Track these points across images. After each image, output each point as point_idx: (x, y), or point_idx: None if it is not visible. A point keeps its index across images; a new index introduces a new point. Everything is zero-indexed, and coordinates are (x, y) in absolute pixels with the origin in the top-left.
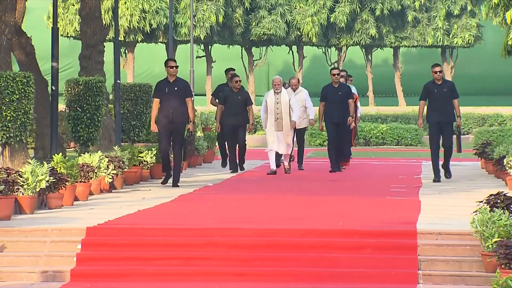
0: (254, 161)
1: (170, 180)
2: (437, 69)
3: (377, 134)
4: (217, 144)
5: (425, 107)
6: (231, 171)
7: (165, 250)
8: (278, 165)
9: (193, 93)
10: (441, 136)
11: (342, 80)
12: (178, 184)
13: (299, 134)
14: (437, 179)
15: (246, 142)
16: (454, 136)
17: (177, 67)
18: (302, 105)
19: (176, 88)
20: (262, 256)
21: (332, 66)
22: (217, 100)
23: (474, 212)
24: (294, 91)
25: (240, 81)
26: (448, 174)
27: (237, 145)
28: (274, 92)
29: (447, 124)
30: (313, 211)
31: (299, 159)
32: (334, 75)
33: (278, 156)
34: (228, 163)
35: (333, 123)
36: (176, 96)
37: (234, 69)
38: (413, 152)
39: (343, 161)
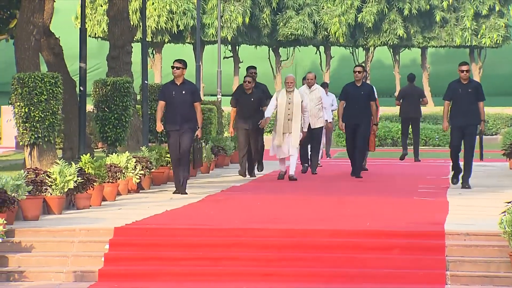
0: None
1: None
2: (464, 68)
3: None
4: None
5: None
6: (248, 175)
7: (192, 250)
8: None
9: (201, 98)
10: (462, 140)
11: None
12: (187, 192)
13: (315, 135)
14: (456, 180)
15: (263, 145)
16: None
17: (182, 68)
18: (318, 104)
19: (183, 92)
20: (290, 257)
21: (357, 64)
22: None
23: (502, 212)
24: (310, 87)
25: (249, 81)
26: (467, 185)
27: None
28: (286, 91)
29: (469, 127)
30: (340, 211)
31: (313, 162)
32: (356, 72)
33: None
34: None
35: (352, 124)
36: (184, 101)
37: (254, 67)
38: (441, 152)
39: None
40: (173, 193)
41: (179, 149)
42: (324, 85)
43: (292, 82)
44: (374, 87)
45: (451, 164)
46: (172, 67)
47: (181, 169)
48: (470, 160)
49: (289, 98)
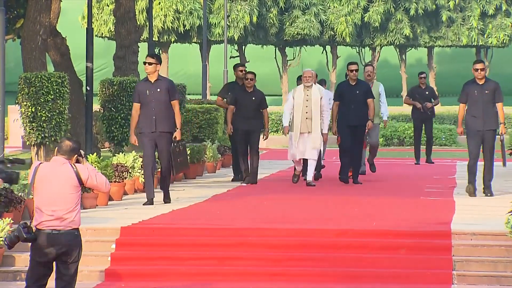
0: (287, 161)
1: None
2: (479, 66)
3: (411, 134)
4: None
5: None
6: (241, 182)
7: (199, 250)
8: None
9: (179, 95)
10: (481, 146)
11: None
12: (170, 200)
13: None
14: (471, 189)
15: (260, 150)
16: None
17: (155, 64)
18: None
19: (158, 90)
20: (296, 256)
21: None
22: (224, 100)
23: (509, 212)
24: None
25: (251, 78)
26: (488, 192)
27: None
28: (304, 86)
29: (488, 132)
30: (347, 211)
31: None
32: (351, 71)
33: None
34: (240, 174)
35: (348, 126)
36: (159, 99)
37: (244, 65)
38: (447, 152)
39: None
40: (143, 204)
41: (152, 154)
42: (322, 82)
43: (310, 76)
44: (380, 85)
45: (468, 175)
46: (144, 63)
47: (162, 178)
48: (490, 166)
49: (307, 95)
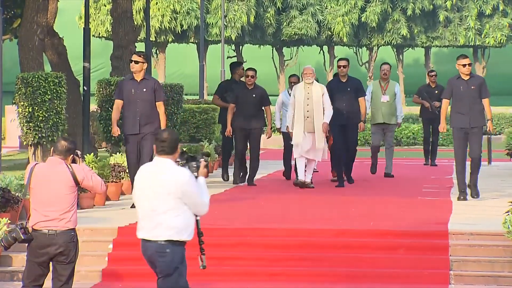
0: None
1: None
2: (465, 61)
3: (408, 134)
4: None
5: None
6: (238, 183)
7: (196, 250)
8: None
9: (165, 96)
10: (467, 144)
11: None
12: None
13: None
14: (462, 196)
15: (260, 151)
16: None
17: (141, 62)
18: None
19: (144, 89)
20: (295, 256)
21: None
22: (220, 99)
23: (506, 212)
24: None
25: (253, 76)
26: (475, 193)
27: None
28: (305, 83)
29: (474, 129)
30: (345, 211)
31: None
32: (339, 66)
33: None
34: (233, 174)
35: (339, 125)
36: (145, 99)
37: (242, 63)
38: (444, 152)
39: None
40: (131, 207)
41: (138, 156)
42: None
43: (311, 73)
44: (396, 85)
45: (456, 176)
46: (131, 61)
47: None
48: (477, 166)
49: (308, 93)
